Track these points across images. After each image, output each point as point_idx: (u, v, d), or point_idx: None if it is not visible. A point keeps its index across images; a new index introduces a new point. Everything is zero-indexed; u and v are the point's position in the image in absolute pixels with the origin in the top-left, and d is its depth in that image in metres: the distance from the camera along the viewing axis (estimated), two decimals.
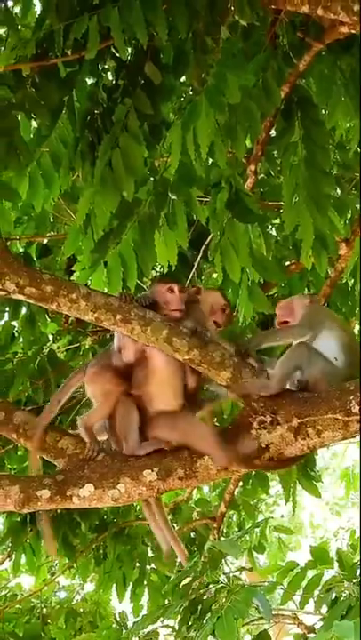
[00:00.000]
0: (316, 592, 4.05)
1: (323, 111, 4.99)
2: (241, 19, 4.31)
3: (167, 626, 4.74)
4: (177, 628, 4.16)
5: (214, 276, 5.61)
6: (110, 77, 4.89)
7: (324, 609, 3.96)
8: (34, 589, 7.22)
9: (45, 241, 6.33)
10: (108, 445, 3.87)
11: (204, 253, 5.28)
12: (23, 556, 6.08)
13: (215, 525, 6.41)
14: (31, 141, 4.78)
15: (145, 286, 4.75)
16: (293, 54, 4.63)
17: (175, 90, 4.85)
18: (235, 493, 6.43)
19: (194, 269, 5.45)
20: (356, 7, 4.09)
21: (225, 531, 6.82)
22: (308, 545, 5.06)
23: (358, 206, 5.87)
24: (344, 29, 4.40)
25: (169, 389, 3.82)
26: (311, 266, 4.82)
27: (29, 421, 3.88)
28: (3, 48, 4.60)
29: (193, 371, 3.80)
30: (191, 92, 5.02)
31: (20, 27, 4.72)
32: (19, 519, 5.92)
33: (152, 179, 4.76)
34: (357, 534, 7.88)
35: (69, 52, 4.40)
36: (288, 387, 3.72)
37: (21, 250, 6.18)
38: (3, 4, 4.57)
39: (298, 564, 4.28)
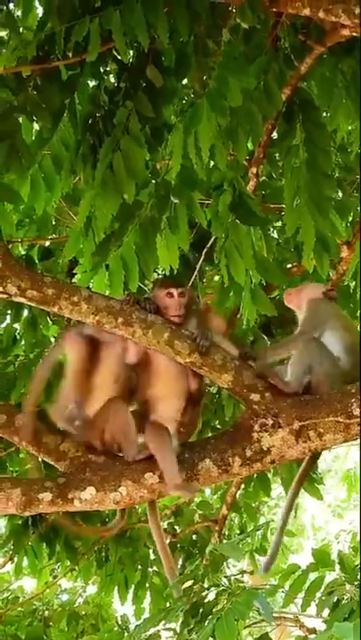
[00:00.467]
0: (318, 595, 4.05)
1: (324, 114, 5.00)
2: (242, 21, 4.30)
3: (169, 629, 4.73)
4: (178, 631, 4.15)
5: (216, 278, 5.60)
6: (112, 80, 4.89)
7: (325, 612, 3.95)
8: (36, 592, 7.20)
9: (47, 243, 6.33)
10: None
11: (206, 256, 5.28)
12: (25, 558, 6.08)
13: (217, 528, 6.40)
14: (33, 144, 4.78)
15: (147, 288, 4.75)
16: (295, 57, 4.62)
17: (177, 92, 4.86)
18: (236, 496, 6.42)
19: (196, 272, 5.45)
20: (357, 10, 4.10)
21: (227, 533, 6.81)
22: (310, 547, 5.05)
23: (360, 209, 5.87)
24: (345, 32, 4.40)
25: (172, 392, 3.83)
26: (313, 268, 4.81)
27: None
28: (4, 50, 4.61)
29: (195, 373, 3.80)
30: (193, 95, 5.03)
31: (21, 29, 4.73)
32: (20, 522, 5.93)
33: (153, 181, 4.75)
34: (359, 537, 7.87)
35: (71, 55, 4.41)
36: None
37: (23, 252, 6.19)
38: (4, 7, 4.57)
39: (300, 567, 4.28)
